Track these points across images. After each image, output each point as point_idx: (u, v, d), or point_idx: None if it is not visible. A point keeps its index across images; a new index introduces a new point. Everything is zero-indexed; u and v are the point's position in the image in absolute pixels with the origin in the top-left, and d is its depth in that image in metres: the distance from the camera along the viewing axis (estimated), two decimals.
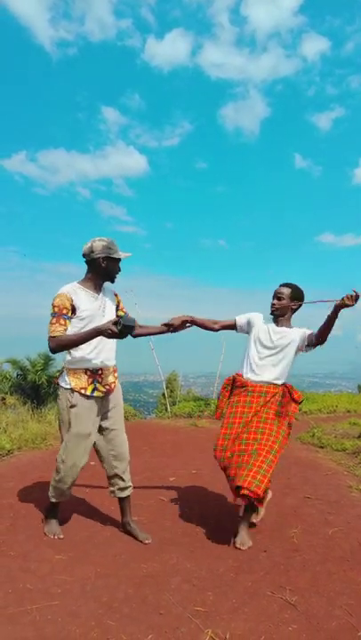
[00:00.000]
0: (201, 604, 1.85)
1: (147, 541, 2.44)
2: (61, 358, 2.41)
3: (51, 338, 2.19)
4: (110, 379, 2.44)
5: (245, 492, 2.33)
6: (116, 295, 2.55)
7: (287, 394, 2.66)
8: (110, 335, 2.14)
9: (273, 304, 2.74)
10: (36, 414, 6.43)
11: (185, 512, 2.92)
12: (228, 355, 8.71)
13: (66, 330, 2.22)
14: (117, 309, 2.52)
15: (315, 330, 2.65)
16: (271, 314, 2.78)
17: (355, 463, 4.43)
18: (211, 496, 3.33)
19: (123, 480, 2.49)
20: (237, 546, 2.44)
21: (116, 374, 2.49)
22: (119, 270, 2.43)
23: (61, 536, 2.47)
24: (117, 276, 2.44)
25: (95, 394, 2.34)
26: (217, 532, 2.64)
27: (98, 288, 2.40)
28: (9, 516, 2.71)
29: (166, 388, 8.97)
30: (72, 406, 2.31)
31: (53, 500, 2.48)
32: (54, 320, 2.21)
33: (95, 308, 2.34)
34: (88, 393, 2.32)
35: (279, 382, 2.68)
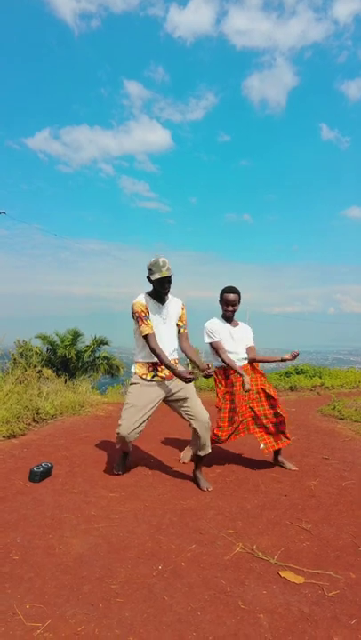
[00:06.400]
0: (233, 529, 2.28)
1: (207, 488, 2.86)
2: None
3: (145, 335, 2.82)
4: None
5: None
6: (182, 308, 3.02)
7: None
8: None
9: (229, 310, 3.32)
10: (69, 386, 6.94)
11: (215, 466, 3.35)
12: None
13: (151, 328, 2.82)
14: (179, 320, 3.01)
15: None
16: (225, 317, 3.37)
17: None
18: (231, 455, 3.76)
19: (201, 439, 2.87)
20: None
21: (177, 364, 2.98)
22: (165, 288, 2.82)
23: (120, 472, 3.07)
24: (167, 291, 2.85)
25: (155, 379, 2.91)
26: (243, 481, 3.08)
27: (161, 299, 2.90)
28: (66, 464, 3.20)
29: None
30: (131, 384, 2.98)
31: (117, 446, 3.05)
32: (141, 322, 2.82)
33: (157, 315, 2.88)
34: (148, 378, 2.91)
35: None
